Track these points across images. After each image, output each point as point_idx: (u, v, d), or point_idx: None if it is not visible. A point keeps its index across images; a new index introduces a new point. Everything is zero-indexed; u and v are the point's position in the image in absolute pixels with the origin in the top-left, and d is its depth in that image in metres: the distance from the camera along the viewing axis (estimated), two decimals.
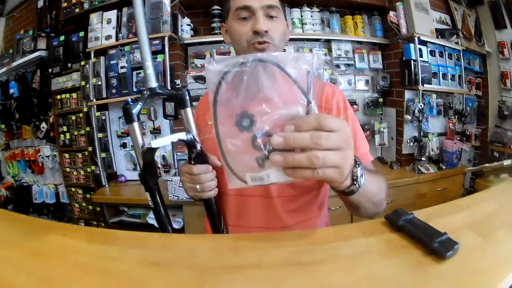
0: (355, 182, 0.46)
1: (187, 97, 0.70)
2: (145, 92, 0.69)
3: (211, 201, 0.70)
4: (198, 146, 0.64)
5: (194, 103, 0.76)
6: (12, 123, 2.82)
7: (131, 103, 0.67)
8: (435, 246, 0.38)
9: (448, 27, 2.61)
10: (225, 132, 0.44)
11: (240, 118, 0.41)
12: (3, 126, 2.90)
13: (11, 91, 2.73)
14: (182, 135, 0.62)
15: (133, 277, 0.40)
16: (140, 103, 0.67)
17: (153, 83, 0.69)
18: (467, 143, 2.65)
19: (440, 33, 2.48)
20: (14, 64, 2.70)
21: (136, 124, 0.67)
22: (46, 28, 2.60)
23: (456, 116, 2.54)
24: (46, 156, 2.55)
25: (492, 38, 2.82)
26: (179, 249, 0.49)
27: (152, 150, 0.63)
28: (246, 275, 0.40)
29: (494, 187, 0.68)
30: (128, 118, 0.66)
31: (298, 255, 0.43)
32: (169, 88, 1.86)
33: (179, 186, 1.77)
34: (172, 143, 0.82)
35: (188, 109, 0.70)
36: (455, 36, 2.61)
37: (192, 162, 0.65)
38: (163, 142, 0.63)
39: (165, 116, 1.94)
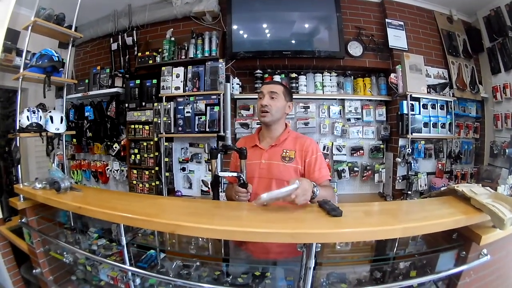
0: (314, 195, 1.13)
1: (245, 153, 1.33)
2: (221, 146, 1.38)
3: None
4: (243, 180, 1.31)
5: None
6: (83, 139, 3.54)
7: (215, 149, 1.37)
8: (330, 212, 1.00)
9: (440, 82, 3.09)
10: None
11: None
12: (74, 140, 3.61)
13: (87, 114, 3.46)
14: (235, 174, 1.32)
15: (204, 209, 1.19)
16: (219, 150, 1.38)
17: (229, 142, 1.38)
18: (462, 181, 3.09)
19: (432, 88, 3.03)
20: (91, 93, 3.40)
21: (214, 160, 1.37)
22: (120, 69, 3.33)
23: (451, 158, 3.02)
24: (115, 170, 3.26)
25: (489, 84, 3.22)
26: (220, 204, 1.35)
27: (219, 176, 1.36)
28: None
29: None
30: (211, 156, 1.36)
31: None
32: (222, 133, 2.54)
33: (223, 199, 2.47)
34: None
35: (244, 160, 1.32)
36: (447, 88, 3.16)
37: (238, 185, 1.33)
38: (224, 174, 1.38)
39: None
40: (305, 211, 1.08)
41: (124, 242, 1.21)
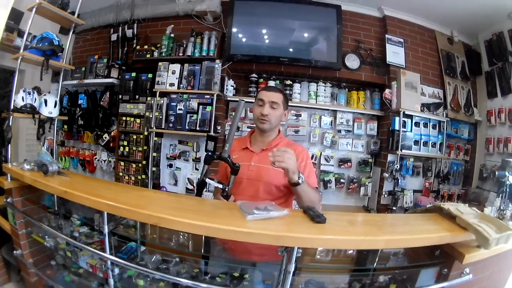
0: (299, 180, 1.15)
1: (237, 170, 1.29)
2: (216, 155, 1.33)
3: None
4: (228, 192, 1.29)
5: None
6: (74, 126, 3.52)
7: (210, 156, 1.35)
8: (314, 218, 0.99)
9: (434, 102, 3.10)
10: None
11: None
12: (65, 126, 3.59)
13: (80, 102, 3.44)
14: (221, 186, 1.29)
15: (189, 205, 1.16)
16: (214, 158, 1.34)
17: (226, 155, 1.28)
18: (448, 201, 3.08)
19: (426, 107, 3.04)
20: (86, 81, 3.39)
21: (207, 166, 1.34)
22: (118, 60, 3.32)
23: (439, 178, 3.03)
24: (102, 160, 3.25)
25: (484, 107, 3.24)
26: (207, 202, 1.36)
27: (205, 181, 1.32)
28: None
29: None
30: (205, 162, 1.35)
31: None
32: (212, 133, 2.54)
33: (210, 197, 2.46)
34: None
35: (233, 176, 1.30)
36: (441, 108, 3.17)
37: (221, 195, 1.31)
38: (211, 183, 1.32)
39: (206, 150, 2.60)
40: (290, 216, 1.07)
41: (106, 230, 1.21)
